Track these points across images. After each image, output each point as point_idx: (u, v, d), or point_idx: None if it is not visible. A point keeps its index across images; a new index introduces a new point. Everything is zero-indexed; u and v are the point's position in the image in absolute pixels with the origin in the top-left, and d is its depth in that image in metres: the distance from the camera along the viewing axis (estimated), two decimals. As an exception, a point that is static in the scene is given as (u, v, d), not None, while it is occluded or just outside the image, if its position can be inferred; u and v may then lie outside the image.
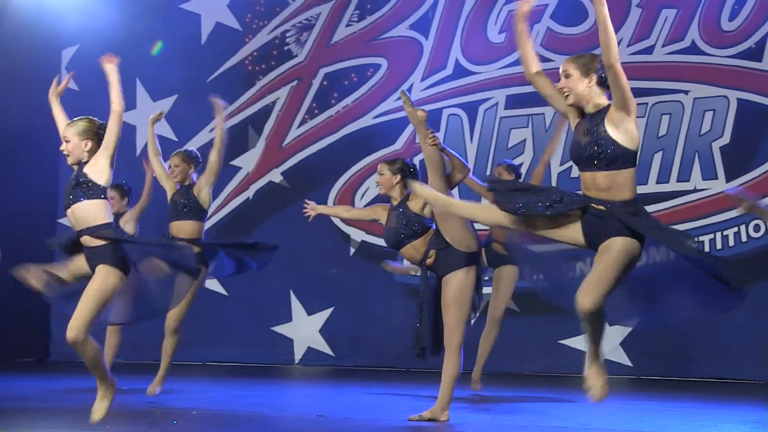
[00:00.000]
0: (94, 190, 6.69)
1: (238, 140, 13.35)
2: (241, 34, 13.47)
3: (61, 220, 13.81)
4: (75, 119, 6.95)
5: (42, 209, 13.79)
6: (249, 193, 13.32)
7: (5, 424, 7.72)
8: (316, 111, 13.20)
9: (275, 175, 13.25)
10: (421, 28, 12.81)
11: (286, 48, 13.36)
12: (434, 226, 7.70)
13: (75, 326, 6.50)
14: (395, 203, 7.87)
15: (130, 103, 13.61)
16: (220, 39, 13.50)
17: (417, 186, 6.44)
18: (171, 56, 13.52)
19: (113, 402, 6.77)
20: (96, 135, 6.82)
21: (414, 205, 7.73)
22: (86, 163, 6.79)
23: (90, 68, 13.77)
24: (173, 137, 13.49)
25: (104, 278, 6.48)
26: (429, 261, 7.66)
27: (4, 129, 13.40)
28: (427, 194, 6.36)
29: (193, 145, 13.37)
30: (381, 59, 12.98)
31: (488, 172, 12.36)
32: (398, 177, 7.86)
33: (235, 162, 13.33)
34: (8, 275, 13.61)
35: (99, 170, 6.72)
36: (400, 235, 7.72)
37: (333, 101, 13.13)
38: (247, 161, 13.33)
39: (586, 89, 5.80)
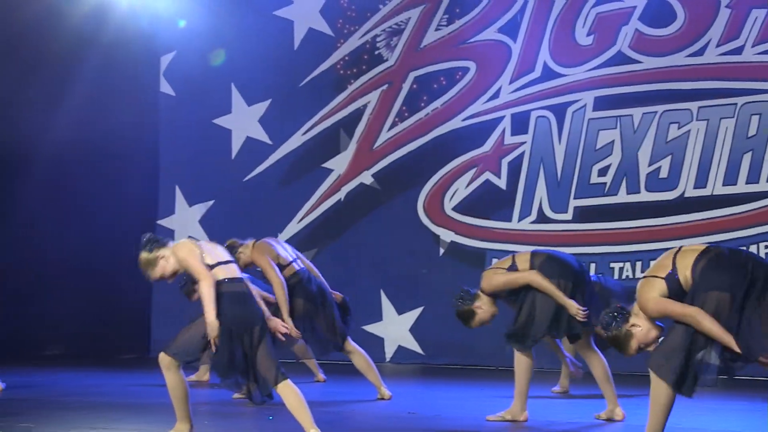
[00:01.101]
0: None
1: (329, 143, 13.38)
2: (332, 40, 13.47)
3: (160, 222, 13.96)
4: None
5: (140, 212, 13.92)
6: (340, 195, 13.31)
7: (103, 418, 7.80)
8: (406, 114, 13.15)
9: (366, 177, 13.23)
10: (509, 31, 12.70)
11: (376, 52, 13.33)
12: None
13: None
14: None
15: (225, 107, 13.78)
16: (313, 44, 13.52)
17: None
18: (265, 61, 13.58)
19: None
20: None
21: None
22: None
23: (186, 74, 14.02)
24: (267, 141, 13.55)
25: None
26: None
27: (104, 134, 13.56)
28: None
29: (285, 149, 13.48)
30: (470, 62, 12.90)
31: (576, 174, 12.22)
32: None
33: (326, 164, 13.34)
34: (110, 275, 13.87)
35: None
36: None
37: (422, 104, 13.08)
38: (339, 163, 13.33)
39: None
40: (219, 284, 6.49)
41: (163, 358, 6.53)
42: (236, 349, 6.39)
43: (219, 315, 6.38)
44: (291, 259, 9.10)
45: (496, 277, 7.89)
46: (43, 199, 13.93)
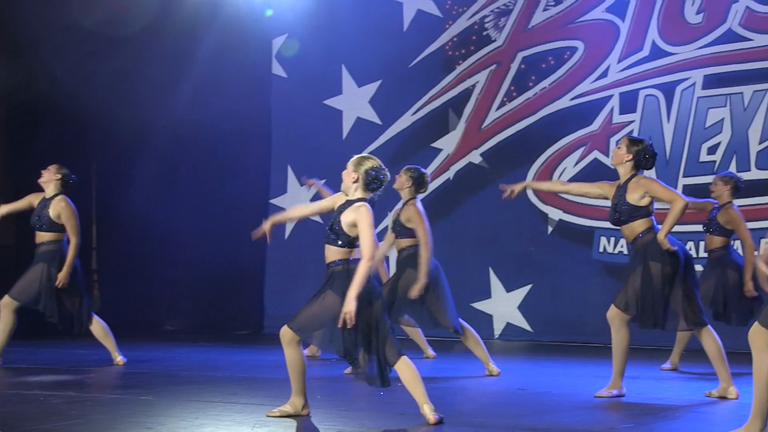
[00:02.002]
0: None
1: (438, 123, 13.35)
2: (441, 21, 13.42)
3: (273, 201, 14.07)
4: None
5: (253, 191, 14.06)
6: (449, 174, 13.28)
7: (219, 391, 7.89)
8: (514, 94, 13.06)
9: (474, 156, 13.17)
10: (617, 10, 12.52)
11: (484, 33, 13.25)
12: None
13: None
14: (621, 182, 7.82)
15: (336, 88, 13.83)
16: (422, 25, 13.48)
17: None
18: (374, 43, 13.60)
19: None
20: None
21: (630, 196, 7.65)
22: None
23: (298, 56, 14.10)
24: (377, 121, 13.57)
25: None
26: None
27: (218, 115, 13.72)
28: None
29: (395, 129, 13.48)
30: (578, 42, 12.75)
31: (685, 153, 12.03)
32: (630, 156, 7.77)
33: (435, 144, 13.32)
34: (225, 253, 14.04)
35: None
36: (614, 216, 7.83)
37: (531, 84, 12.97)
38: (448, 143, 13.29)
39: None
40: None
41: (285, 333, 6.56)
42: (356, 325, 6.41)
43: (342, 290, 6.41)
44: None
45: None
46: (160, 179, 14.17)
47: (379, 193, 6.74)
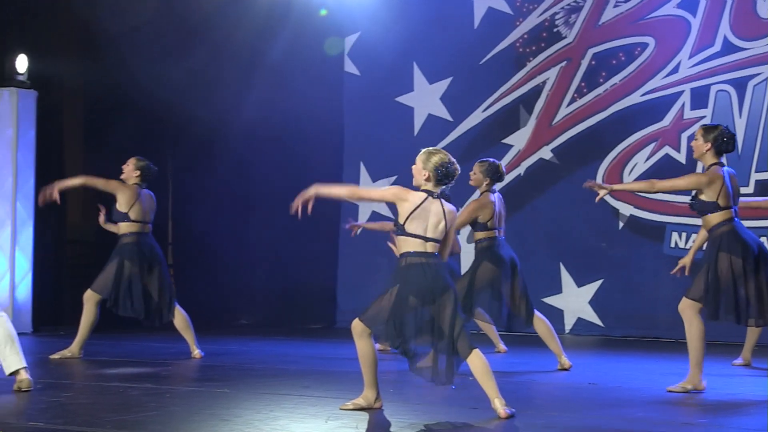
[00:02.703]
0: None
1: (509, 119, 13.29)
2: (511, 18, 13.35)
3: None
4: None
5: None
6: (520, 170, 13.21)
7: (293, 384, 7.92)
8: (584, 90, 12.96)
9: (545, 153, 13.10)
10: (688, 6, 12.37)
11: (555, 30, 13.16)
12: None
13: None
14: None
15: (407, 85, 13.82)
16: (492, 23, 13.43)
17: None
18: (446, 40, 13.57)
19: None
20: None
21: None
22: None
23: (370, 54, 14.10)
24: (448, 117, 13.55)
25: None
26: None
27: (292, 113, 13.78)
28: None
29: (466, 126, 13.44)
30: (648, 38, 12.62)
31: (758, 148, 11.87)
32: (708, 145, 7.69)
33: (506, 140, 13.26)
34: (299, 249, 14.09)
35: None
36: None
37: (601, 80, 12.85)
38: (519, 139, 13.22)
39: None
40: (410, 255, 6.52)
41: (356, 325, 6.56)
42: (423, 316, 6.41)
43: (406, 284, 6.40)
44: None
45: None
46: (235, 175, 14.28)
47: (451, 185, 6.72)
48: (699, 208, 7.73)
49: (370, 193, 6.78)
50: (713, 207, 7.63)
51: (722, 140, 7.66)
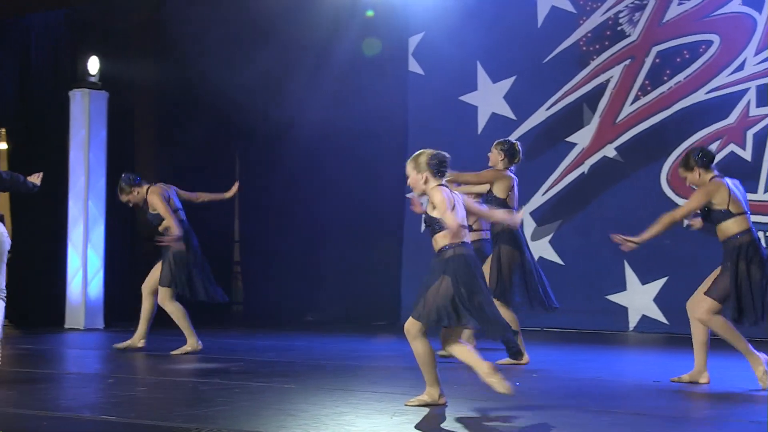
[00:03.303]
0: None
1: (573, 117, 13.23)
2: (575, 17, 13.28)
3: (410, 195, 14.10)
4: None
5: (391, 186, 14.12)
6: (584, 168, 13.14)
7: (358, 380, 7.94)
8: (648, 88, 12.85)
9: (609, 150, 13.01)
10: (754, 2, 12.23)
11: (619, 28, 13.07)
12: None
13: None
14: None
15: (471, 84, 13.80)
16: (556, 21, 13.36)
17: None
18: (509, 40, 13.53)
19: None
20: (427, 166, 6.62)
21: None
22: None
23: (434, 54, 14.10)
24: (512, 116, 13.51)
25: None
26: None
27: (357, 112, 13.82)
28: None
29: (529, 124, 13.39)
30: (713, 36, 12.49)
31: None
32: (696, 170, 7.70)
33: (570, 138, 13.19)
34: (363, 247, 14.12)
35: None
36: None
37: (665, 78, 12.74)
38: (583, 137, 13.15)
39: None
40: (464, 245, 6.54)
41: (411, 326, 6.57)
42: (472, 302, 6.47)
43: (455, 274, 6.43)
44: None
45: None
46: (301, 173, 14.35)
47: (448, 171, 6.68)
48: (712, 218, 7.75)
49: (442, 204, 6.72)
50: (725, 215, 7.64)
51: (703, 157, 7.67)
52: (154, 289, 9.89)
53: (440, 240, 6.58)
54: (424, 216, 6.70)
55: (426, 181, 6.63)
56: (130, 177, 10.06)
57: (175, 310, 9.77)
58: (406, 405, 6.60)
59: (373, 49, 13.99)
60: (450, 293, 6.44)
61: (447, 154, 6.70)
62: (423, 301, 6.57)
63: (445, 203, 6.46)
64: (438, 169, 6.62)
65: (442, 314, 6.45)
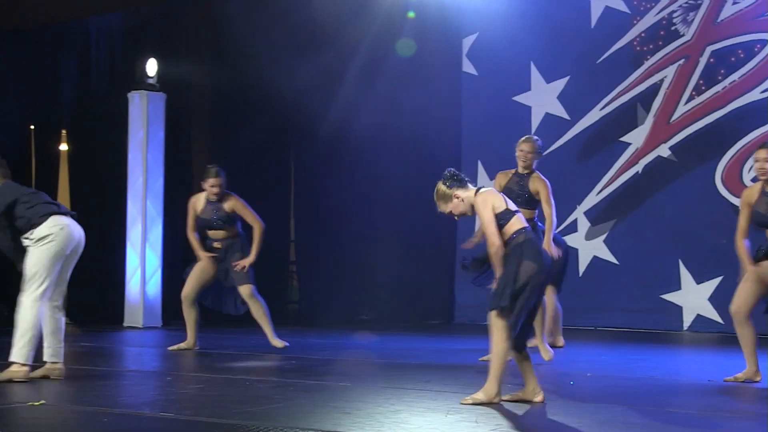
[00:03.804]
0: None
1: (627, 117, 13.15)
2: (628, 17, 13.20)
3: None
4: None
5: (445, 185, 14.13)
6: (638, 168, 13.05)
7: (413, 378, 7.95)
8: (702, 87, 12.74)
9: (663, 150, 12.92)
10: (810, 1, 12.11)
11: (673, 28, 12.97)
12: None
13: None
14: None
15: (524, 85, 13.76)
16: (609, 22, 13.29)
17: None
18: (563, 40, 13.48)
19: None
20: None
21: None
22: None
23: (488, 54, 14.07)
24: (566, 116, 13.45)
25: None
26: None
27: (411, 113, 13.84)
28: None
29: (582, 125, 13.33)
30: (768, 35, 12.38)
31: None
32: None
33: (624, 138, 13.11)
34: (418, 246, 14.12)
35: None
36: None
37: (719, 77, 12.63)
38: (637, 137, 13.06)
39: None
40: (518, 233, 6.55)
41: (496, 318, 6.55)
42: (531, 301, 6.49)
43: (524, 266, 6.45)
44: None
45: None
46: (356, 173, 14.38)
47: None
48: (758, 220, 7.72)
49: (490, 226, 6.69)
50: None
51: None
52: (196, 294, 10.01)
53: (509, 230, 6.60)
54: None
55: (463, 198, 6.65)
56: None
57: (260, 307, 9.89)
58: (461, 403, 6.59)
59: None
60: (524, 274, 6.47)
61: (450, 169, 6.84)
62: (499, 284, 6.54)
63: (492, 224, 6.50)
64: (458, 180, 6.71)
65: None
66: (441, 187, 6.75)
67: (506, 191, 8.80)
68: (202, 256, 9.98)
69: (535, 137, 9.37)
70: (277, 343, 9.77)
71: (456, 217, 6.80)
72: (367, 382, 7.78)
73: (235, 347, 10.27)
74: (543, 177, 9.17)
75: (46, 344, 7.68)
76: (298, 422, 5.84)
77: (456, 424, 5.93)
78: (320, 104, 13.95)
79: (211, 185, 10.08)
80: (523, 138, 9.33)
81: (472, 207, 6.69)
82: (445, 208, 6.73)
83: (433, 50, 14.01)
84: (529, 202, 9.06)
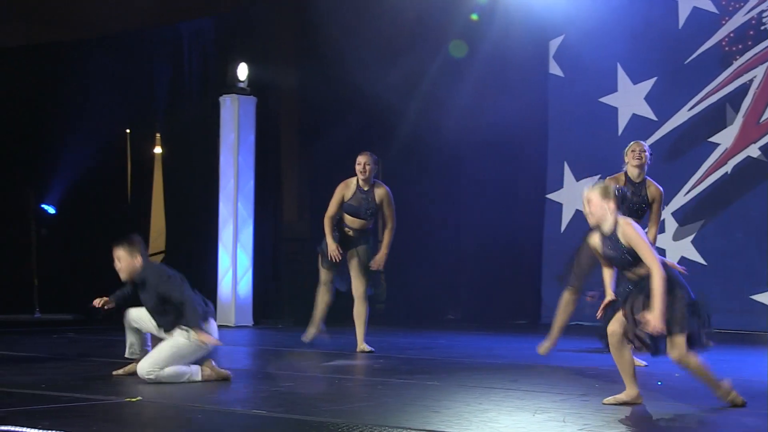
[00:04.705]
0: None
1: (715, 118, 12.99)
2: (717, 17, 13.03)
3: (549, 196, 14.05)
4: None
5: (531, 186, 14.10)
6: (727, 168, 12.88)
7: (499, 378, 7.93)
8: (793, 87, 12.55)
9: (753, 150, 12.73)
10: None
11: (762, 28, 12.78)
12: None
13: None
14: None
15: (611, 86, 13.66)
16: (697, 22, 13.14)
17: None
18: (650, 41, 13.36)
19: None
20: None
21: None
22: None
23: (574, 56, 14.00)
24: (653, 117, 13.33)
25: None
26: None
27: (497, 115, 13.81)
28: None
29: (670, 125, 13.19)
30: None
31: None
32: None
33: (713, 139, 12.95)
34: (503, 246, 14.08)
35: None
36: None
37: (809, 77, 12.44)
38: (725, 137, 12.89)
39: None
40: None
41: (613, 332, 6.52)
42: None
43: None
44: None
45: None
46: (443, 173, 14.44)
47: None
48: None
49: (655, 256, 6.61)
50: None
51: None
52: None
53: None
54: (621, 252, 6.56)
55: (612, 212, 6.55)
56: None
57: (364, 310, 9.95)
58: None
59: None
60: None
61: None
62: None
63: (649, 247, 6.41)
64: (619, 203, 6.57)
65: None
66: (608, 183, 6.70)
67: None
68: (333, 247, 9.88)
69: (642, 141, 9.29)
70: (365, 347, 9.80)
71: (589, 215, 6.63)
72: (454, 381, 7.78)
73: (324, 346, 10.34)
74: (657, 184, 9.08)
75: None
76: (386, 420, 5.87)
77: (544, 423, 5.92)
78: (406, 106, 13.99)
79: (358, 162, 9.90)
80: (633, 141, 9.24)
81: (608, 223, 6.55)
82: (592, 198, 6.58)
83: (519, 52, 13.97)
84: (640, 211, 8.92)
